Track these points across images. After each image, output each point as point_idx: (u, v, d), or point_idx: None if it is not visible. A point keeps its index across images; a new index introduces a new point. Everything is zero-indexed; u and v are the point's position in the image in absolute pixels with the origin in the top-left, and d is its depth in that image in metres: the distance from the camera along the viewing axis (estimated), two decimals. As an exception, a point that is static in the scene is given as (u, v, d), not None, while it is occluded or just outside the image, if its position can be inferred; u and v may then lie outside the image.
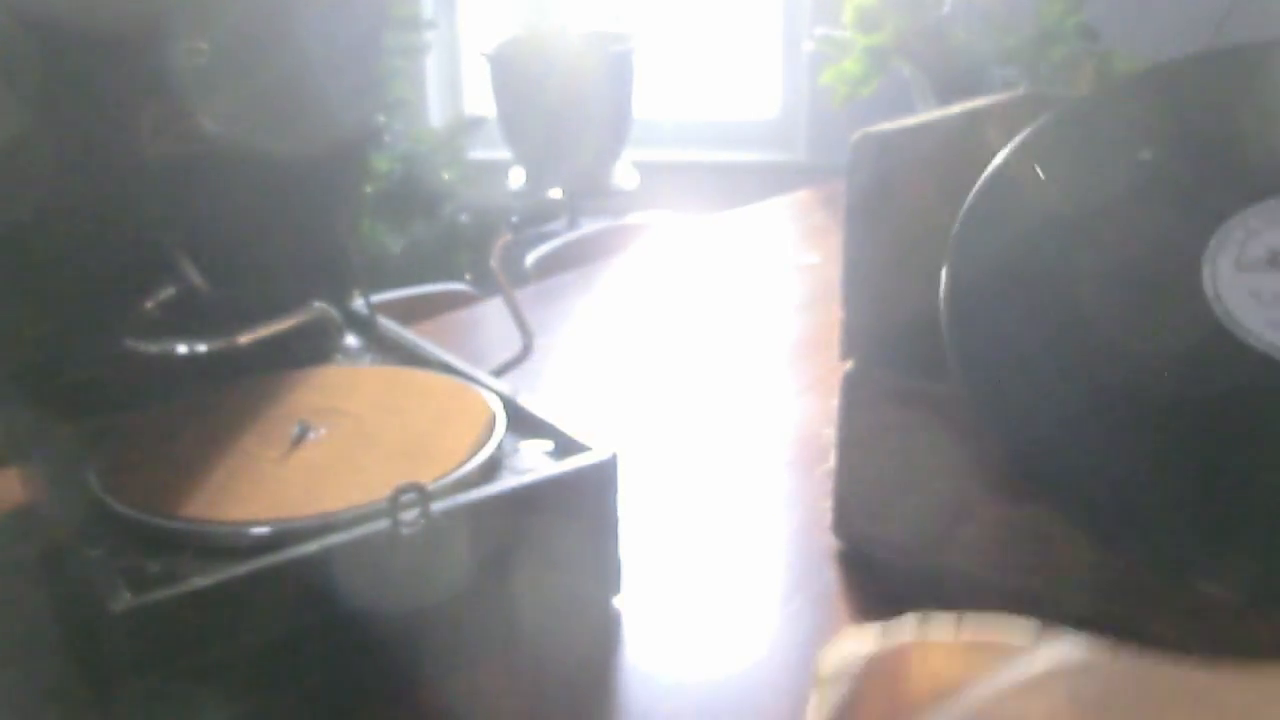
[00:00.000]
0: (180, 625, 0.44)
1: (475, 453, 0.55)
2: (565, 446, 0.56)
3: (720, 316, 1.03)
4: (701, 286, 1.11)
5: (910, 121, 0.60)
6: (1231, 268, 0.50)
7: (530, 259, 1.33)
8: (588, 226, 1.68)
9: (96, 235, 0.66)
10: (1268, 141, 0.52)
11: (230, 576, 0.45)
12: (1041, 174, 0.54)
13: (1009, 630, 0.35)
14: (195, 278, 0.69)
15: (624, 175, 2.24)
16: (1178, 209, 0.52)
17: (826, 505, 0.62)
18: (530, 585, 0.53)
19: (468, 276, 1.81)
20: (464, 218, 1.99)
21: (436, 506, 0.49)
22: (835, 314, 0.60)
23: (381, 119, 1.72)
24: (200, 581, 0.44)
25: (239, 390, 0.64)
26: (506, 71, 2.12)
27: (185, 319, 0.69)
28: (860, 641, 0.36)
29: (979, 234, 0.53)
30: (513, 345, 0.75)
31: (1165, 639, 0.39)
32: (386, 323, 0.75)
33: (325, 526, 0.48)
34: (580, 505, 0.54)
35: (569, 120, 2.09)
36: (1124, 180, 0.53)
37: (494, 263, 0.76)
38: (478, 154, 2.28)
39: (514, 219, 0.74)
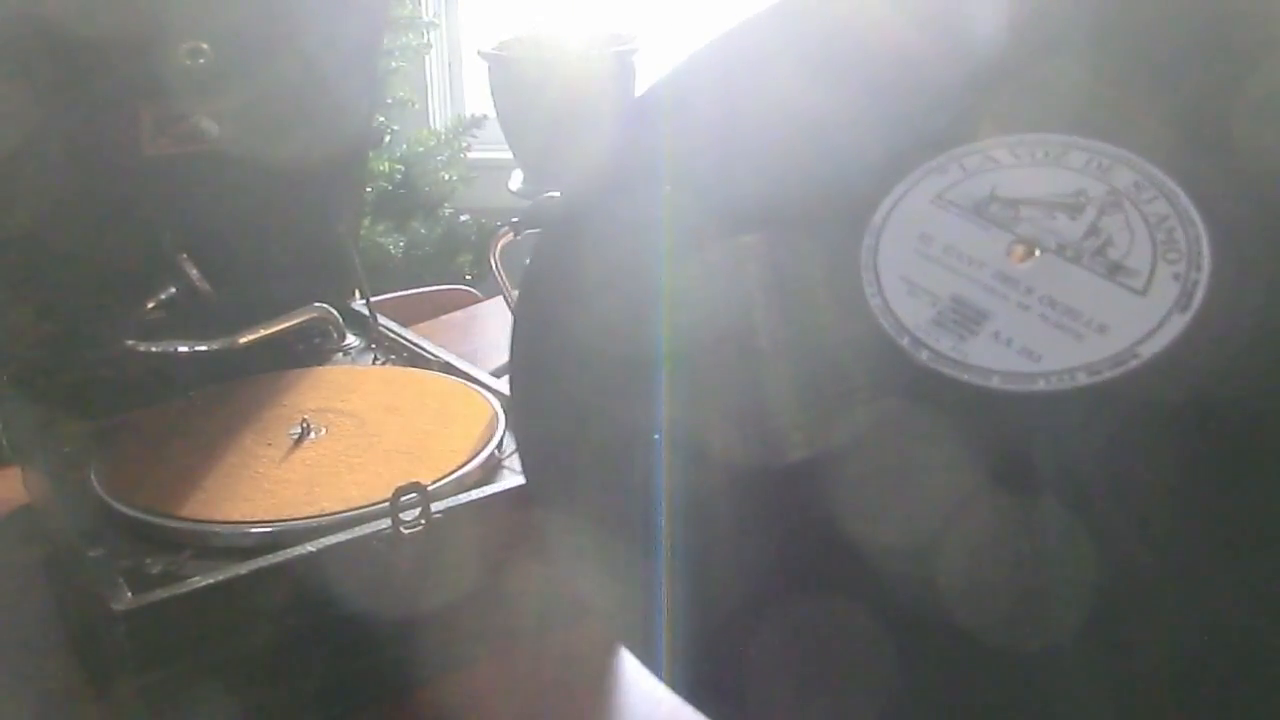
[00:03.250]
0: (181, 625, 0.44)
1: (475, 453, 0.55)
2: (565, 446, 0.56)
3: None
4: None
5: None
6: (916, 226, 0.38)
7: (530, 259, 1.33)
8: (588, 227, 1.68)
9: (97, 236, 0.66)
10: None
11: (230, 576, 0.45)
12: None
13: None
14: (196, 278, 0.69)
15: (624, 175, 2.23)
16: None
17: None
18: (530, 585, 0.53)
19: (468, 276, 1.81)
20: (464, 218, 1.99)
21: (436, 506, 0.49)
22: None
23: (382, 120, 1.72)
24: (201, 581, 0.44)
25: (239, 390, 0.64)
26: (506, 71, 2.12)
27: (185, 319, 0.69)
28: None
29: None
30: (513, 345, 0.74)
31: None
32: (386, 323, 0.75)
33: (325, 526, 0.48)
34: (580, 505, 0.54)
35: (569, 120, 2.09)
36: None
37: (494, 261, 0.76)
38: (477, 154, 2.27)
39: (514, 218, 0.75)
